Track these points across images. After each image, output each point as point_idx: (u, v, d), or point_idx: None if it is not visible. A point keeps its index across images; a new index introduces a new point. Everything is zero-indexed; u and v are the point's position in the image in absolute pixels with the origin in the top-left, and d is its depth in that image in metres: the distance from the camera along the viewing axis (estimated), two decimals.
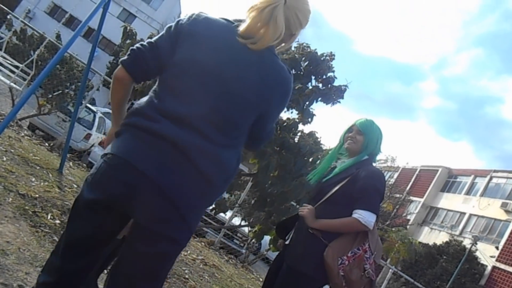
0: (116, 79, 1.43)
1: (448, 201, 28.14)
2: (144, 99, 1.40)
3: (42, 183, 4.21)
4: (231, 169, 1.38)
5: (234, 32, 1.35)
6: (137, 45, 1.42)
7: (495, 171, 26.48)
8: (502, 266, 21.70)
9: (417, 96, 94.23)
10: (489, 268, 22.20)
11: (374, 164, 2.33)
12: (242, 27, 1.35)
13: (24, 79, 8.53)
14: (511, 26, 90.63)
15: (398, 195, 26.91)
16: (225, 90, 1.32)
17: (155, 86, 1.41)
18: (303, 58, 4.08)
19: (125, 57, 1.42)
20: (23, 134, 6.94)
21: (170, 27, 1.42)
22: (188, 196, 1.28)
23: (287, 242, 2.34)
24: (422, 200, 29.23)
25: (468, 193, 27.40)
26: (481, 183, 26.98)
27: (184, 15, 1.46)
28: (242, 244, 8.78)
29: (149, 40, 1.43)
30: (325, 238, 2.10)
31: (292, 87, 1.48)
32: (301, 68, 4.13)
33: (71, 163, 6.65)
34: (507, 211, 23.34)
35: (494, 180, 26.32)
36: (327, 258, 2.04)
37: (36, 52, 7.89)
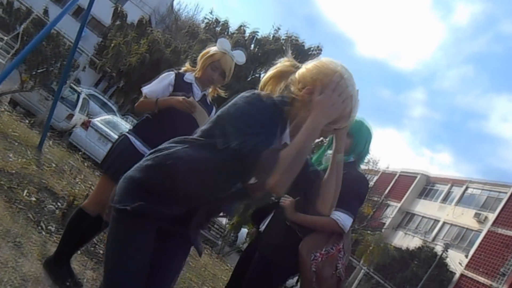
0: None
1: (424, 207, 28.71)
2: None
3: (19, 159, 4.14)
4: None
5: None
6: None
7: (471, 181, 27.12)
8: (470, 274, 22.30)
9: (405, 105, 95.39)
10: (457, 275, 22.79)
11: (361, 166, 2.36)
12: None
13: (8, 53, 8.32)
14: (502, 48, 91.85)
15: (376, 198, 27.30)
16: None
17: None
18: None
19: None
20: (3, 109, 6.79)
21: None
22: None
23: (261, 230, 2.37)
24: (399, 204, 29.72)
25: (444, 201, 28.00)
26: (457, 192, 27.59)
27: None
28: (218, 236, 8.81)
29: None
30: (301, 232, 2.14)
31: None
32: None
33: (51, 142, 6.54)
34: (479, 221, 23.96)
35: (470, 190, 26.95)
36: (302, 251, 2.08)
37: (22, 26, 7.69)
